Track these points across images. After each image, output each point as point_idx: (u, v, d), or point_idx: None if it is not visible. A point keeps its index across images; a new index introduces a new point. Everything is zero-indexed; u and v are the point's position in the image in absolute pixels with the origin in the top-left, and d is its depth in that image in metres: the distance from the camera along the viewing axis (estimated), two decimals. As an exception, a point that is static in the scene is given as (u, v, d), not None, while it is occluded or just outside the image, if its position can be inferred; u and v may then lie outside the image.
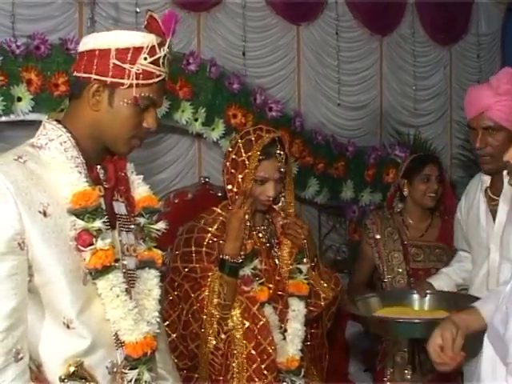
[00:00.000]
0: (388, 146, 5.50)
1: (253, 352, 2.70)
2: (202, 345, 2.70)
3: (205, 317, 2.68)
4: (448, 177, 4.67)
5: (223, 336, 2.70)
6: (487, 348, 2.04)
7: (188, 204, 3.77)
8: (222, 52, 4.84)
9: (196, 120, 4.33)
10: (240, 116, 4.42)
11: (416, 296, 3.03)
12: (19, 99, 3.72)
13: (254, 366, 2.70)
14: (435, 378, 3.13)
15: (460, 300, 2.79)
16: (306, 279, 2.88)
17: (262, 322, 2.71)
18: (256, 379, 2.70)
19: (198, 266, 2.76)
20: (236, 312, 2.71)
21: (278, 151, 2.79)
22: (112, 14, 4.37)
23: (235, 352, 2.71)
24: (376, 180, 5.20)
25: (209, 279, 2.70)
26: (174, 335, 2.73)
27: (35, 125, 1.97)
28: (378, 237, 3.75)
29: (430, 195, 3.74)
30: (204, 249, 2.77)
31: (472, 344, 2.20)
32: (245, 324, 2.71)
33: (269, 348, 2.71)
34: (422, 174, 3.76)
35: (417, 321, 2.72)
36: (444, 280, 3.16)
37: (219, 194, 4.02)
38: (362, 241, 3.90)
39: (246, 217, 2.70)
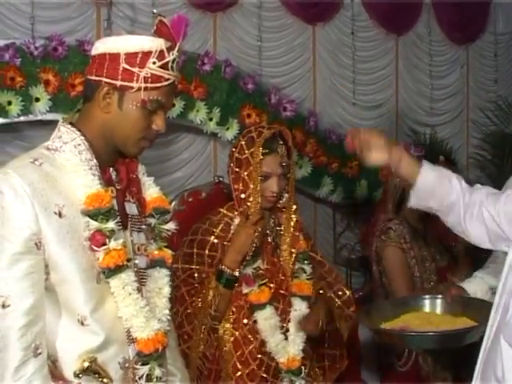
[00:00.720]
0: (403, 145, 5.51)
1: (237, 363, 2.76)
2: (192, 348, 2.73)
3: (196, 322, 2.72)
4: (465, 176, 4.67)
5: (214, 343, 2.76)
6: (505, 347, 2.04)
7: (202, 203, 3.79)
8: (238, 52, 4.89)
9: (210, 120, 4.38)
10: (254, 116, 4.47)
11: (432, 301, 2.95)
12: (37, 100, 3.79)
13: (238, 374, 2.76)
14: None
15: (474, 304, 2.78)
16: (309, 279, 2.89)
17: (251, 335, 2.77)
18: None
19: (196, 269, 2.79)
20: (229, 318, 2.77)
21: (280, 146, 2.81)
22: (129, 15, 4.43)
23: (224, 358, 2.77)
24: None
25: (203, 290, 2.73)
26: None
27: (53, 124, 2.02)
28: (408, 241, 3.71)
29: None
30: (206, 252, 2.79)
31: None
32: (234, 334, 2.76)
33: (250, 359, 2.76)
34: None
35: (427, 333, 2.67)
36: (478, 284, 3.05)
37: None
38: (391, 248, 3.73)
39: (256, 234, 2.71)
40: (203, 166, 4.80)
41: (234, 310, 2.78)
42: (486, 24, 6.37)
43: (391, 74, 5.85)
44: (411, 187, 2.39)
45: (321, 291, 2.99)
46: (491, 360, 2.11)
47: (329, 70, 5.45)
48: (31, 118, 3.84)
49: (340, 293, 3.08)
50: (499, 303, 2.15)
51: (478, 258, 3.37)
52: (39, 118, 3.84)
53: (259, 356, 2.79)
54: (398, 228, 3.68)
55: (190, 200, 3.75)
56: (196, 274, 2.79)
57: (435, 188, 2.40)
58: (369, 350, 3.99)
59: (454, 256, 3.90)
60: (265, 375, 2.80)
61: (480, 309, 2.56)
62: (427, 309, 2.93)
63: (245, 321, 2.78)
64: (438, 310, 2.91)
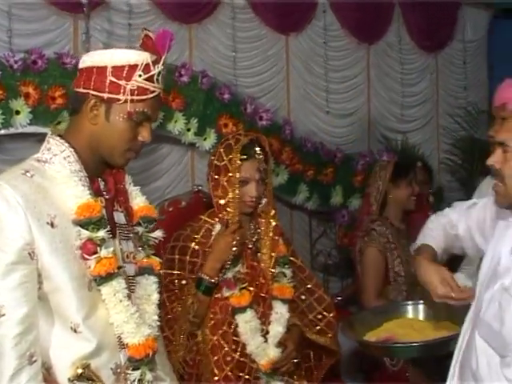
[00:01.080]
0: (376, 152, 5.61)
1: (214, 367, 2.83)
2: (172, 353, 2.79)
3: (176, 327, 2.79)
4: (437, 181, 4.79)
5: (194, 348, 2.84)
6: (480, 342, 2.14)
7: (182, 212, 3.83)
8: (213, 63, 4.91)
9: (188, 130, 4.41)
10: (231, 125, 4.51)
11: (413, 307, 3.03)
12: (17, 112, 3.78)
13: (216, 378, 2.83)
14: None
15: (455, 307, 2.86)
16: (290, 283, 2.96)
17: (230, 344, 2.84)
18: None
19: (177, 275, 2.86)
20: (205, 330, 2.84)
21: (258, 151, 2.89)
22: (106, 28, 4.44)
23: (203, 363, 2.84)
24: (364, 185, 5.25)
25: (183, 296, 2.80)
26: None
27: (33, 137, 2.06)
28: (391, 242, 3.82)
29: (413, 198, 3.88)
30: (188, 258, 2.86)
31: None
32: (212, 339, 2.83)
33: (223, 365, 2.83)
34: (408, 178, 3.88)
35: (412, 344, 2.71)
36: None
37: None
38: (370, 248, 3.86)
39: (234, 243, 2.78)
40: (181, 175, 4.82)
41: (211, 316, 2.84)
42: (454, 32, 6.50)
43: (363, 82, 5.92)
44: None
45: (296, 322, 3.05)
46: (467, 357, 2.20)
47: (302, 80, 5.50)
48: (12, 131, 3.82)
49: (320, 300, 3.15)
50: (475, 301, 2.25)
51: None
52: (20, 130, 3.83)
53: (241, 359, 2.85)
54: (381, 229, 3.83)
55: (170, 209, 3.78)
56: (176, 280, 2.86)
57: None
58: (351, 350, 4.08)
59: None
60: (247, 377, 2.86)
61: (461, 312, 2.60)
62: (409, 315, 3.00)
63: (224, 327, 2.85)
64: (421, 316, 2.97)
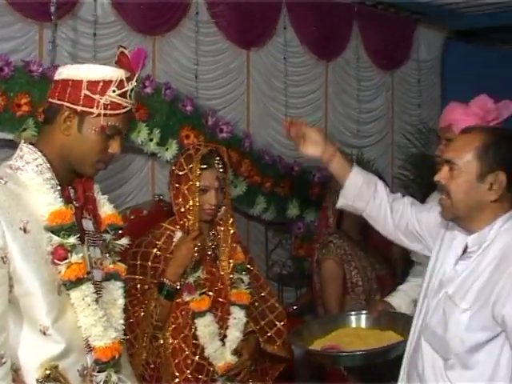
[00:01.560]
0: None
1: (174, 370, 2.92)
2: (135, 356, 2.87)
3: (138, 331, 2.87)
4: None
5: (155, 351, 2.91)
6: (425, 347, 2.29)
7: (143, 220, 3.92)
8: (176, 75, 4.98)
9: (151, 140, 4.47)
10: (192, 137, 4.58)
11: (358, 317, 3.12)
12: (-17, 119, 3.79)
13: (176, 380, 2.92)
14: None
15: (398, 318, 2.95)
16: (247, 289, 3.07)
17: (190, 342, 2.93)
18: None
19: (139, 280, 2.93)
20: (166, 334, 2.92)
21: (217, 161, 2.99)
22: (71, 36, 4.49)
23: (164, 365, 2.92)
24: (320, 198, 5.38)
25: (146, 301, 2.88)
26: None
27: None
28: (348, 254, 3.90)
29: None
30: (149, 263, 2.94)
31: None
32: (173, 343, 2.92)
33: (184, 367, 2.92)
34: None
35: (355, 353, 2.79)
36: (401, 298, 3.27)
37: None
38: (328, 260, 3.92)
39: (195, 249, 2.88)
40: (141, 184, 4.87)
41: (172, 320, 2.92)
42: (409, 51, 6.68)
43: (321, 97, 6.05)
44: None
45: (254, 329, 3.16)
46: (414, 360, 2.35)
47: (262, 93, 5.61)
48: (-24, 137, 3.85)
49: (272, 308, 3.25)
50: (421, 307, 2.39)
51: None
52: (-16, 137, 3.85)
53: (200, 361, 2.94)
54: (338, 241, 3.89)
55: (132, 217, 3.88)
56: (139, 285, 2.93)
57: (363, 189, 2.67)
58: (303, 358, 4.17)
59: (392, 264, 4.13)
60: (205, 379, 2.95)
61: (404, 322, 2.74)
62: (354, 325, 3.09)
63: (185, 331, 2.93)
64: (366, 325, 3.07)
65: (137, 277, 2.95)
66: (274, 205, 5.24)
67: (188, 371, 2.92)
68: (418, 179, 6.35)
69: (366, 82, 6.38)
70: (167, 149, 4.55)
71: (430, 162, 5.98)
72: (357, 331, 3.03)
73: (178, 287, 2.88)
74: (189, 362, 2.93)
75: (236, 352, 3.00)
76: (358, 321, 3.10)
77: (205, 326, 2.93)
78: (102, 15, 4.64)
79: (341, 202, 2.78)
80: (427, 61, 6.90)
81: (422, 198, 5.50)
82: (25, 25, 4.37)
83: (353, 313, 3.18)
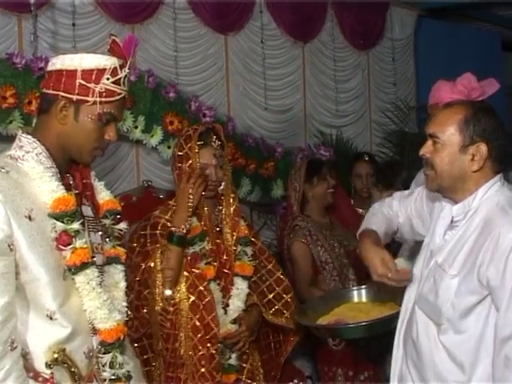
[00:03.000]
0: (313, 146, 5.79)
1: (197, 323, 2.98)
2: (151, 308, 2.98)
3: (150, 281, 2.97)
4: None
5: (171, 308, 2.98)
6: (419, 314, 2.39)
7: (133, 206, 3.97)
8: (155, 62, 5.01)
9: (136, 127, 4.50)
10: (177, 122, 4.60)
11: (359, 291, 3.21)
12: (-31, 112, 3.80)
13: (199, 335, 2.99)
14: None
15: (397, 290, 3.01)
16: (250, 261, 3.19)
17: (207, 299, 3.00)
18: (200, 347, 2.98)
19: (150, 242, 3.05)
20: (182, 286, 3.00)
21: (214, 140, 3.12)
22: (50, 27, 4.50)
23: (182, 323, 2.99)
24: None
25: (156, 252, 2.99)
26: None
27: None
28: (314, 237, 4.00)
29: (330, 191, 4.09)
30: (158, 231, 3.05)
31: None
32: (190, 298, 2.99)
33: (212, 323, 2.99)
34: (322, 174, 4.09)
35: (359, 324, 2.88)
36: None
37: (161, 196, 4.26)
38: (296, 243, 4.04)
39: (190, 191, 2.99)
40: (127, 171, 4.90)
41: (187, 275, 3.02)
42: (383, 31, 6.75)
43: (299, 79, 6.11)
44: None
45: (256, 302, 3.27)
46: (409, 328, 2.45)
47: (241, 77, 5.65)
48: (-37, 129, 3.85)
49: (279, 281, 3.36)
50: (415, 277, 2.48)
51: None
52: (-29, 129, 3.86)
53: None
54: (303, 223, 4.03)
55: (122, 204, 3.91)
56: (149, 246, 3.06)
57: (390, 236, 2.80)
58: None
59: None
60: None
61: (403, 293, 2.77)
62: (356, 299, 3.19)
63: (201, 287, 3.02)
64: (367, 299, 3.16)
65: (146, 244, 3.06)
66: (258, 186, 5.30)
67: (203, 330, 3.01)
68: (397, 156, 6.43)
69: (343, 63, 6.44)
70: (152, 135, 4.58)
71: (409, 139, 6.11)
72: (358, 305, 3.12)
73: (187, 232, 2.99)
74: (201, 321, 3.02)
75: (235, 321, 3.11)
76: (359, 295, 3.20)
77: None
78: (80, 5, 4.65)
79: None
80: (401, 39, 6.98)
81: (401, 174, 5.67)
82: (3, 17, 4.37)
83: (354, 288, 3.30)
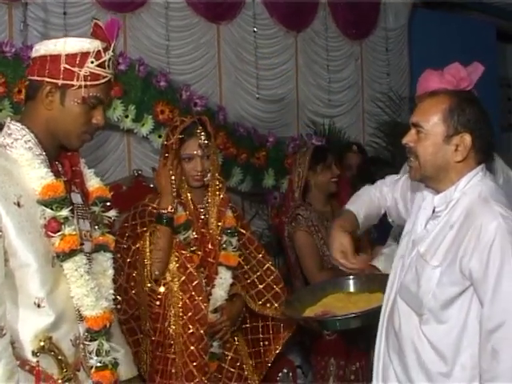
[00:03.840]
0: (305, 135, 5.79)
1: (187, 302, 3.04)
2: (140, 289, 3.04)
3: (139, 262, 3.02)
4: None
5: (161, 289, 3.04)
6: (401, 304, 2.39)
7: (123, 195, 3.98)
8: (147, 51, 5.01)
9: (127, 117, 4.50)
10: (167, 112, 4.59)
11: (347, 281, 3.15)
12: (-42, 100, 3.80)
13: (189, 314, 3.05)
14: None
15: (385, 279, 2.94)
16: (235, 251, 3.22)
17: (197, 281, 3.06)
18: (190, 326, 3.04)
19: (139, 228, 3.10)
20: (173, 266, 3.06)
21: (199, 130, 3.15)
22: (41, 16, 4.51)
23: (172, 302, 3.05)
24: (296, 168, 5.47)
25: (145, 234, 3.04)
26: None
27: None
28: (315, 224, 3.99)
29: (333, 180, 4.08)
30: (146, 218, 3.11)
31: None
32: (181, 277, 3.05)
33: (201, 304, 3.05)
34: (327, 163, 4.09)
35: (346, 316, 2.83)
36: (386, 260, 3.28)
37: (151, 186, 4.26)
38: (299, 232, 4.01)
39: (170, 172, 3.07)
40: (118, 160, 4.92)
41: (177, 256, 3.07)
42: (377, 20, 6.72)
43: (291, 68, 6.09)
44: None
45: (240, 292, 3.29)
46: (391, 318, 2.45)
47: (233, 67, 5.65)
48: (-48, 118, 3.83)
49: (268, 272, 3.39)
50: (396, 267, 2.49)
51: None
52: (-40, 118, 3.84)
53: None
54: (305, 213, 3.99)
55: (112, 193, 3.92)
56: (139, 228, 3.12)
57: (371, 219, 2.82)
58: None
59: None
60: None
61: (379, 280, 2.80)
62: (344, 289, 3.13)
63: (191, 269, 3.07)
64: (355, 289, 3.12)
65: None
66: (250, 176, 5.29)
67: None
68: (389, 146, 6.43)
69: (335, 52, 6.42)
70: (143, 124, 4.57)
71: (401, 130, 6.08)
72: (347, 296, 3.08)
73: (174, 212, 3.05)
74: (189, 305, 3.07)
75: (216, 310, 3.15)
76: (347, 285, 3.15)
77: None
78: (71, -7, 4.63)
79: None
80: (394, 29, 6.95)
81: (394, 164, 5.67)
82: (-7, 6, 4.37)
83: (341, 278, 3.21)
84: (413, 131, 2.34)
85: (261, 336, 3.45)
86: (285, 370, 3.91)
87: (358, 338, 3.88)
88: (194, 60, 5.39)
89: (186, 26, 5.32)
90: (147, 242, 3.03)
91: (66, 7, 4.62)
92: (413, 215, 2.48)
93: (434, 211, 2.37)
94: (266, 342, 3.44)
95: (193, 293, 3.05)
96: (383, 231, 3.52)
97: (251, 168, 5.30)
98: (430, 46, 7.12)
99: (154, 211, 3.09)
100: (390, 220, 2.91)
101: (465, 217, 2.24)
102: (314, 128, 6.08)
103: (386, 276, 2.85)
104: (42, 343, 2.04)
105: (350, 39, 6.53)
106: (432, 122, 2.28)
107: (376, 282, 2.99)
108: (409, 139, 2.34)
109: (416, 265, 2.34)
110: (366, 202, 2.82)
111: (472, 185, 2.29)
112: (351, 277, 3.16)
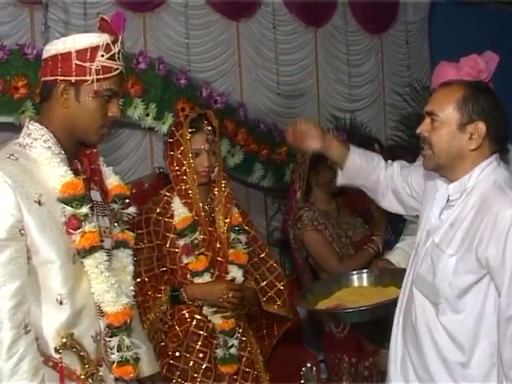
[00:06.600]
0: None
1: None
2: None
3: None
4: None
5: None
6: (417, 295, 2.39)
7: (145, 193, 4.02)
8: (167, 49, 5.05)
9: (147, 115, 4.54)
10: (188, 109, 4.58)
11: (360, 275, 3.18)
12: (-19, 103, 3.85)
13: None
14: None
15: (399, 273, 2.91)
16: (245, 249, 3.19)
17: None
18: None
19: (147, 248, 3.09)
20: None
21: (205, 125, 3.13)
22: (62, 18, 4.56)
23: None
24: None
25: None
26: None
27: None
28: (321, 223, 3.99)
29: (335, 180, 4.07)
30: (152, 228, 3.08)
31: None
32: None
33: None
34: (327, 161, 4.07)
35: (359, 308, 2.85)
36: (400, 255, 3.30)
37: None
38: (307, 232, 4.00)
39: (225, 297, 3.04)
40: (141, 159, 4.96)
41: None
42: (397, 14, 6.66)
43: (311, 64, 6.08)
44: (340, 168, 2.73)
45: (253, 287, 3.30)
46: (408, 310, 2.45)
47: (253, 63, 5.66)
48: (-24, 121, 3.91)
49: (272, 269, 3.38)
50: (413, 258, 2.49)
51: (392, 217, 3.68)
52: (-16, 120, 3.92)
53: (198, 317, 3.10)
54: (309, 213, 3.99)
55: (134, 191, 3.97)
56: (145, 251, 3.10)
57: (362, 168, 2.76)
58: (310, 321, 4.28)
59: (371, 220, 4.18)
60: (205, 335, 3.10)
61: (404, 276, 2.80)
62: (357, 283, 3.15)
63: None
64: (368, 283, 3.13)
65: (142, 244, 3.07)
66: (271, 171, 5.31)
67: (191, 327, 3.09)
68: (412, 139, 6.40)
69: (355, 47, 6.39)
70: (164, 122, 4.61)
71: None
72: (360, 289, 3.09)
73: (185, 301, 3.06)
74: (188, 319, 3.09)
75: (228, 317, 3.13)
76: (360, 279, 3.16)
77: None
78: (91, -6, 4.67)
79: (342, 181, 2.87)
80: (414, 22, 6.88)
81: (416, 157, 5.66)
82: (15, 8, 4.44)
83: (354, 272, 3.24)
84: (427, 120, 2.35)
85: (263, 321, 3.44)
86: (308, 365, 3.92)
87: (370, 333, 3.88)
88: (213, 57, 5.41)
89: (205, 24, 5.34)
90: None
91: (86, 8, 4.66)
92: (428, 205, 2.48)
93: (448, 200, 2.38)
94: (270, 327, 3.44)
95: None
96: (399, 234, 3.52)
97: (272, 164, 5.32)
98: (450, 37, 7.04)
99: (159, 218, 3.09)
100: (405, 216, 2.89)
101: (480, 205, 2.25)
102: (335, 123, 6.07)
103: (400, 270, 2.90)
104: (63, 340, 2.07)
105: (369, 33, 6.48)
106: (447, 111, 2.29)
107: (389, 276, 3.01)
108: (423, 128, 2.35)
109: (431, 254, 2.35)
110: (367, 153, 2.84)
111: (486, 174, 2.29)
112: (365, 271, 3.20)
